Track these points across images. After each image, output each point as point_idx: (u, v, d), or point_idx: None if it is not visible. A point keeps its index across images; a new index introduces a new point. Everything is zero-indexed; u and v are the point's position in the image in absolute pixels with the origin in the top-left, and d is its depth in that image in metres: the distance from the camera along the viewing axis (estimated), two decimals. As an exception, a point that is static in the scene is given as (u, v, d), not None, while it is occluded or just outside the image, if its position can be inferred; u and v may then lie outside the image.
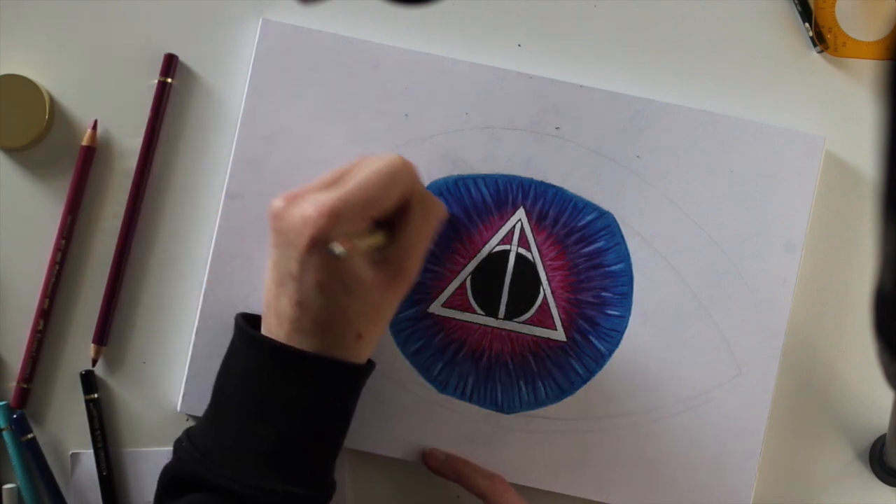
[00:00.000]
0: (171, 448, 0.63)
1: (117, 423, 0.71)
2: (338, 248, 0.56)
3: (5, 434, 0.70)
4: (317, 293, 0.58)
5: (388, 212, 0.61)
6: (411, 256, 0.61)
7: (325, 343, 0.59)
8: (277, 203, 0.59)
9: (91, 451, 0.70)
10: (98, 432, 0.70)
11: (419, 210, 0.62)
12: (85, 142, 0.71)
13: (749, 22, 0.71)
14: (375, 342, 0.61)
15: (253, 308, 0.69)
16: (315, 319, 0.59)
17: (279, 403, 0.59)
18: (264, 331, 0.61)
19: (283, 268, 0.59)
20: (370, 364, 0.63)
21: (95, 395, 0.70)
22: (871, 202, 0.71)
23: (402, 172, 0.61)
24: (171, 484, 0.61)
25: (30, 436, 0.70)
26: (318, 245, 0.57)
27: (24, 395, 0.70)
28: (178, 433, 0.70)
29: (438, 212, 0.64)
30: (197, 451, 0.60)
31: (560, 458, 0.69)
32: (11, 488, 0.70)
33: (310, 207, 0.57)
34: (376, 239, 0.60)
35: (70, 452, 0.71)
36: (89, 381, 0.70)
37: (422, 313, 0.70)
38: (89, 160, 0.71)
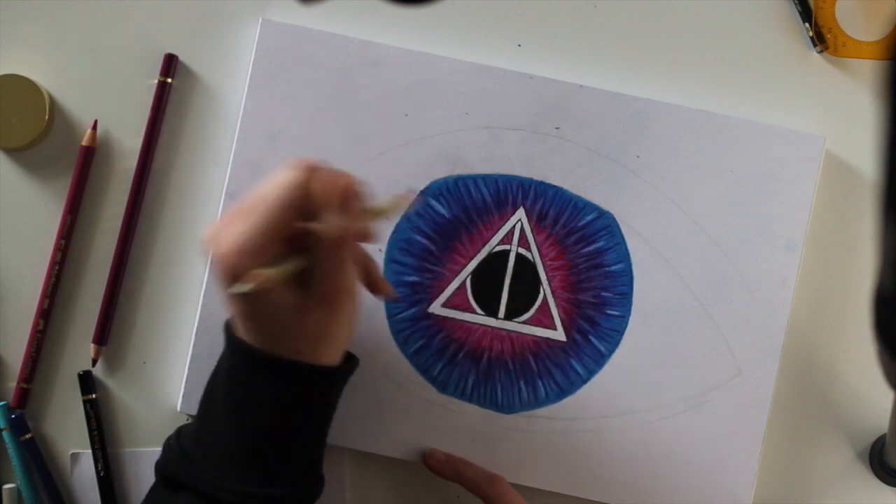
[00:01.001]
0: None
1: (117, 423, 0.71)
2: (243, 288, 0.56)
3: (5, 434, 0.70)
4: (245, 320, 0.59)
5: (297, 230, 0.58)
6: (334, 278, 0.59)
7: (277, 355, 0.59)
8: (211, 227, 0.59)
9: (90, 451, 0.70)
10: (96, 432, 0.70)
11: (326, 230, 0.58)
12: (85, 142, 0.71)
13: (749, 22, 0.71)
14: (329, 353, 0.60)
15: (253, 308, 0.69)
16: (257, 337, 0.59)
17: (253, 405, 0.59)
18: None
19: (222, 295, 0.60)
20: (348, 365, 0.62)
21: (93, 396, 0.70)
22: (871, 202, 0.71)
23: (294, 187, 0.57)
24: (161, 478, 0.62)
25: (28, 436, 0.70)
26: (230, 282, 0.57)
27: (24, 395, 0.70)
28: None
29: (334, 233, 0.58)
30: (181, 450, 0.61)
31: (560, 457, 0.69)
32: (11, 488, 0.70)
33: (221, 246, 0.57)
34: (292, 264, 0.58)
35: (70, 452, 0.71)
36: (87, 382, 0.70)
37: (422, 313, 0.70)
38: (89, 160, 0.71)
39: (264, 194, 0.57)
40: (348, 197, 0.58)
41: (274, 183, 0.58)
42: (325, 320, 0.59)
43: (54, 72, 0.71)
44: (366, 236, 0.61)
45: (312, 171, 0.58)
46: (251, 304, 0.58)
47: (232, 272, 0.56)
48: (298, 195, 0.57)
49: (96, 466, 0.70)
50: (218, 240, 0.57)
